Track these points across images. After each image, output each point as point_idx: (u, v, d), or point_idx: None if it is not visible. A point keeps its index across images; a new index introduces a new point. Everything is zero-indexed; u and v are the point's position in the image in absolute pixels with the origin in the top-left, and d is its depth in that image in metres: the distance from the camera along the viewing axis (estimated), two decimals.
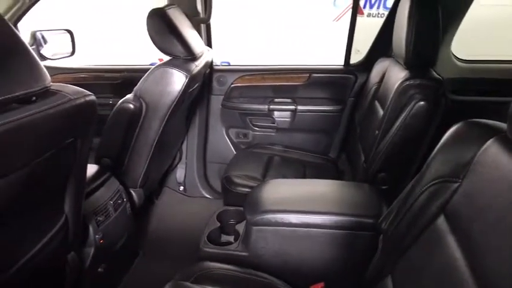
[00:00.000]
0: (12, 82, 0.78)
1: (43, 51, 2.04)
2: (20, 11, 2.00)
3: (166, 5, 1.63)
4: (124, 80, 2.24)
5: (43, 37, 2.02)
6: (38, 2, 2.00)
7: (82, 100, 0.96)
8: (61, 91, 0.93)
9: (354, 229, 1.22)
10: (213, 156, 2.38)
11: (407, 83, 1.44)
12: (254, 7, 4.37)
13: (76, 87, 0.99)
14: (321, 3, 4.42)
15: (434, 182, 0.84)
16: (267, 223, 1.24)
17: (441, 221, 0.80)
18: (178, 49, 1.59)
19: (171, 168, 2.33)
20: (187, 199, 2.37)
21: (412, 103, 1.39)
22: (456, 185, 0.77)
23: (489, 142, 0.71)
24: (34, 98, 0.84)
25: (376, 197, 1.33)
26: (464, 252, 0.69)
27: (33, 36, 1.97)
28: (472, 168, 0.74)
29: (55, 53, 2.11)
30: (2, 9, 1.93)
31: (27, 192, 0.94)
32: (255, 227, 1.25)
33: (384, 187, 1.49)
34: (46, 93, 0.88)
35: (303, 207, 1.26)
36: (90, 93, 1.00)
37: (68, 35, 2.14)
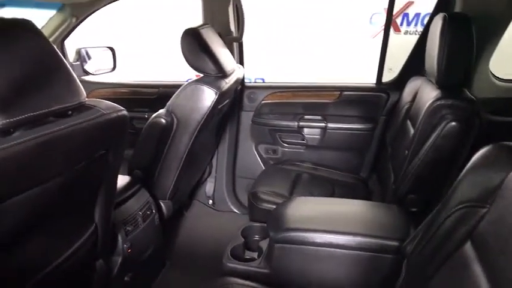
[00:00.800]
0: (50, 97, 0.84)
1: (87, 67, 2.18)
2: (66, 30, 2.16)
3: (200, 25, 1.70)
4: (160, 95, 2.33)
5: (87, 53, 2.16)
6: (83, 22, 2.15)
7: (114, 115, 1.01)
8: (95, 106, 0.99)
9: (378, 251, 1.18)
10: (242, 171, 2.41)
11: (439, 102, 1.40)
12: (292, 25, 4.42)
13: (110, 102, 1.04)
14: (358, 21, 4.41)
15: (461, 206, 0.81)
16: (289, 241, 1.23)
17: (468, 248, 0.77)
18: (210, 67, 1.65)
19: (201, 181, 2.38)
20: (215, 213, 2.40)
21: (443, 123, 1.35)
22: (484, 210, 0.75)
23: None
24: (70, 112, 0.90)
25: (404, 219, 1.29)
26: (490, 284, 0.66)
27: (78, 52, 2.11)
28: (500, 194, 0.71)
29: (97, 69, 2.24)
30: (51, 28, 2.08)
31: (60, 200, 1.00)
32: (277, 245, 1.25)
33: (413, 209, 1.44)
34: (81, 107, 0.94)
35: (327, 226, 1.24)
36: (122, 108, 1.05)
37: (110, 52, 2.27)
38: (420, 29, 4.11)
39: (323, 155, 2.25)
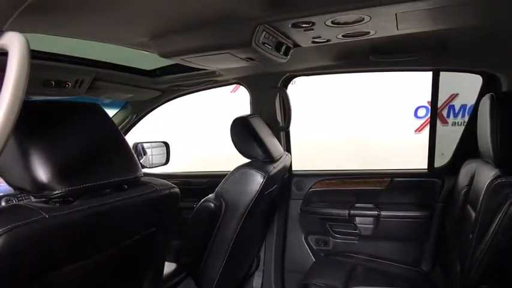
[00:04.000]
0: (110, 171, 0.92)
1: (142, 161, 2.34)
2: (127, 125, 2.40)
3: (249, 115, 1.82)
4: (209, 185, 2.41)
5: (143, 148, 2.33)
6: (143, 119, 2.39)
7: (167, 191, 1.06)
8: (150, 182, 1.05)
9: None
10: (291, 264, 2.29)
11: (499, 180, 1.32)
12: (338, 118, 4.57)
13: (163, 180, 1.10)
14: (403, 114, 4.47)
15: None
16: None
17: None
18: (257, 152, 1.71)
19: (248, 275, 2.27)
20: None
21: (508, 202, 1.26)
22: None
23: None
24: (125, 186, 0.96)
25: None
26: None
27: (135, 147, 2.29)
28: None
29: (152, 163, 2.40)
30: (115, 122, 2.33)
31: (109, 277, 1.00)
32: None
33: None
34: (137, 183, 1.00)
35: None
36: (174, 186, 1.10)
37: (164, 147, 2.45)
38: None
39: (378, 245, 2.11)
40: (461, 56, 1.72)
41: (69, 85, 1.69)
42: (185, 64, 1.45)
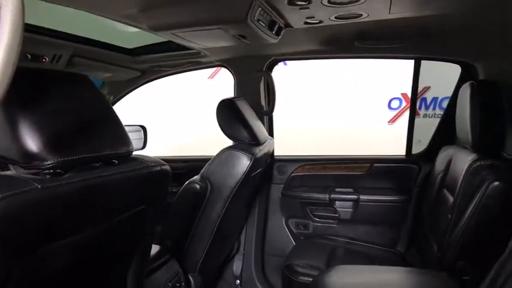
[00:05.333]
0: (101, 143, 0.88)
1: None
2: None
3: (235, 97, 1.80)
4: (189, 169, 2.37)
5: None
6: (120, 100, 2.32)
7: (159, 168, 1.03)
8: (141, 158, 1.02)
9: None
10: (272, 247, 2.31)
11: (478, 163, 1.39)
12: (313, 107, 4.61)
13: (153, 157, 1.08)
14: (377, 105, 4.57)
15: None
16: None
17: None
18: (244, 135, 1.70)
19: (228, 258, 2.28)
20: None
21: (485, 184, 1.32)
22: None
23: None
24: (115, 161, 0.92)
25: (457, 285, 1.19)
26: None
27: None
28: None
29: None
30: None
31: (93, 259, 0.97)
32: None
33: (465, 278, 1.33)
34: (127, 158, 0.97)
35: None
36: (165, 163, 1.07)
37: (141, 131, 2.38)
38: (439, 112, 4.23)
39: (357, 228, 2.16)
40: (442, 45, 1.77)
41: (46, 60, 1.61)
42: (173, 40, 1.41)
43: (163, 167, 1.06)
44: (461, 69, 1.92)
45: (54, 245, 0.78)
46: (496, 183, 1.29)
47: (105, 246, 0.97)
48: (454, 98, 1.94)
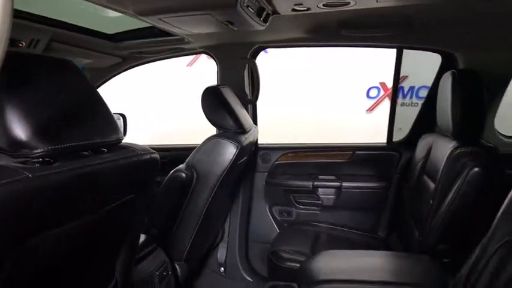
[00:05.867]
0: (91, 131, 0.86)
1: None
2: None
3: (219, 85, 1.79)
4: (172, 158, 2.35)
5: None
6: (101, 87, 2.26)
7: (148, 156, 1.02)
8: (130, 146, 1.00)
9: None
10: (255, 235, 2.33)
11: (459, 150, 1.43)
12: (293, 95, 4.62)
13: (142, 145, 1.06)
14: (355, 94, 4.63)
15: (506, 239, 0.80)
16: None
17: None
18: (229, 123, 1.69)
19: (213, 246, 2.28)
20: (227, 282, 2.27)
21: (466, 170, 1.37)
22: None
23: None
24: (105, 149, 0.90)
25: (438, 267, 1.24)
26: None
27: None
28: None
29: None
30: None
31: (84, 247, 0.95)
32: None
33: (445, 260, 1.38)
34: (115, 146, 0.94)
35: (362, 276, 1.18)
36: (154, 151, 1.06)
37: (121, 119, 2.32)
38: (416, 101, 4.34)
39: (339, 215, 2.21)
40: (424, 35, 1.80)
41: (23, 44, 1.54)
42: (159, 25, 1.38)
43: (152, 155, 1.04)
44: (442, 58, 1.96)
45: (45, 235, 0.76)
46: (476, 169, 1.34)
47: (95, 236, 0.95)
48: (434, 87, 1.99)
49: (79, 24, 1.70)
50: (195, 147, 1.68)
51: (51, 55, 1.73)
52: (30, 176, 0.68)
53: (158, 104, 4.90)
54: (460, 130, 1.48)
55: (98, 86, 2.30)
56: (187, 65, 4.71)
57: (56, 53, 1.74)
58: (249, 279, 2.26)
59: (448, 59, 1.92)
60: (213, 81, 2.18)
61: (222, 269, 2.31)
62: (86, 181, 0.82)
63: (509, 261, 0.79)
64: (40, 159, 0.74)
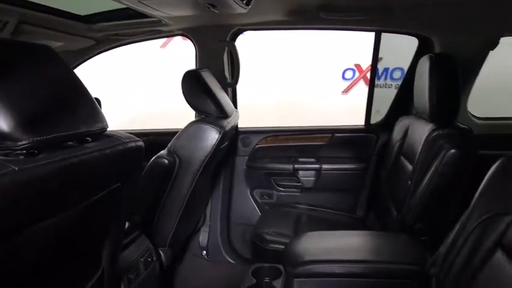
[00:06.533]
0: (76, 120, 0.83)
1: None
2: None
3: (200, 68, 1.76)
4: (150, 143, 2.30)
5: None
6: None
7: (133, 144, 1.00)
8: (114, 135, 0.98)
9: (399, 277, 1.18)
10: (237, 218, 2.35)
11: (436, 133, 1.48)
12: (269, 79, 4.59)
13: (126, 133, 1.04)
14: (331, 76, 4.66)
15: (484, 217, 0.84)
16: (309, 274, 1.20)
17: (499, 255, 0.78)
18: (211, 107, 1.68)
19: (195, 231, 2.29)
20: (210, 264, 2.29)
21: (443, 152, 1.42)
22: (510, 217, 0.77)
23: None
24: (89, 138, 0.88)
25: (417, 245, 1.30)
26: None
27: None
28: None
29: None
30: None
31: (71, 238, 0.93)
32: (296, 279, 1.21)
33: (422, 238, 1.45)
34: (100, 135, 0.92)
35: (345, 256, 1.23)
36: (139, 138, 1.04)
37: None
38: (390, 82, 4.42)
39: (318, 196, 2.26)
40: (401, 18, 1.82)
41: None
42: (137, 7, 1.33)
43: (137, 143, 1.02)
44: (419, 42, 2.00)
45: (32, 229, 0.74)
46: (452, 151, 1.40)
47: (82, 226, 0.94)
48: (411, 70, 2.03)
49: (50, 5, 1.61)
50: (173, 132, 1.66)
51: (20, 38, 1.64)
52: (16, 169, 0.65)
53: (132, 86, 4.77)
54: (436, 113, 1.53)
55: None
56: (161, 47, 4.59)
57: (25, 36, 1.65)
58: (232, 261, 2.29)
59: (424, 42, 1.96)
60: (187, 63, 2.13)
61: (205, 252, 2.33)
62: (72, 172, 0.80)
63: (486, 238, 0.83)
64: (24, 151, 0.71)
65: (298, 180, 2.26)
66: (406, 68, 3.89)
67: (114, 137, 0.96)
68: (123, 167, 1.01)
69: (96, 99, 2.23)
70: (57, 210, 0.79)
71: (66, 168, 0.77)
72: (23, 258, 0.77)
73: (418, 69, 1.69)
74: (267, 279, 1.44)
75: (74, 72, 0.90)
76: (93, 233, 1.04)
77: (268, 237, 1.77)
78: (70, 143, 0.83)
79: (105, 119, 0.93)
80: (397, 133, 1.94)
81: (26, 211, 0.70)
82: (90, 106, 0.90)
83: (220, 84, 1.94)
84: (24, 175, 0.67)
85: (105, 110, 2.28)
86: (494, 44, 1.81)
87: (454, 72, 1.53)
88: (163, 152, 1.61)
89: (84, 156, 0.82)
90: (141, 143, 1.03)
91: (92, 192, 0.91)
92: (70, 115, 0.83)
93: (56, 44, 1.96)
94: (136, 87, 4.76)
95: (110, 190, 0.98)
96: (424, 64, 1.59)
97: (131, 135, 1.03)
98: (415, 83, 1.72)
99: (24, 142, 0.70)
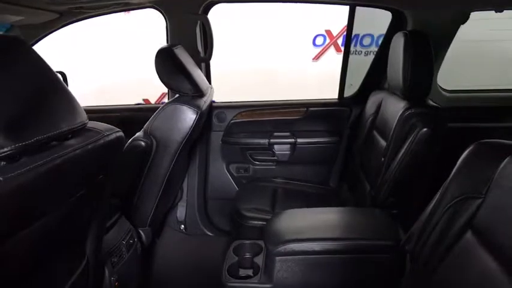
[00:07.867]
0: (56, 119, 0.80)
1: None
2: None
3: (172, 45, 1.69)
4: (121, 120, 2.24)
5: None
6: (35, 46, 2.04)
7: (113, 136, 0.97)
8: (94, 128, 0.95)
9: (376, 252, 1.25)
10: (214, 192, 2.38)
11: (409, 112, 1.53)
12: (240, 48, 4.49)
13: (105, 124, 1.01)
14: (301, 43, 4.61)
15: (456, 199, 0.89)
16: (290, 252, 1.25)
17: (469, 236, 0.84)
18: (187, 86, 1.64)
19: (172, 206, 2.31)
20: (188, 237, 2.33)
21: (416, 131, 1.48)
22: (479, 200, 0.83)
23: (508, 159, 0.77)
24: (70, 135, 0.85)
25: (390, 220, 1.38)
26: (499, 261, 0.73)
27: None
28: (494, 184, 0.80)
29: None
30: None
31: (56, 235, 0.92)
32: (278, 257, 1.26)
33: (394, 211, 1.53)
34: (80, 130, 0.89)
35: (323, 234, 1.29)
36: (118, 129, 1.01)
37: (60, 77, 2.14)
38: (360, 49, 4.44)
39: (293, 169, 2.31)
40: None
41: None
42: None
43: (118, 134, 1.00)
44: (392, 16, 2.01)
45: (20, 234, 0.73)
46: (425, 129, 1.45)
47: (67, 222, 0.93)
48: (384, 45, 2.05)
49: None
50: (146, 108, 1.63)
51: None
52: (1, 179, 0.63)
53: (96, 55, 4.52)
54: (410, 91, 1.57)
55: (32, 45, 2.07)
56: (125, 13, 4.33)
57: None
58: (210, 233, 2.35)
59: (398, 17, 1.97)
60: (153, 31, 2.04)
61: (183, 226, 2.36)
62: (57, 173, 0.78)
63: (458, 218, 0.88)
64: (6, 158, 0.68)
65: (274, 154, 2.29)
66: (375, 35, 3.90)
67: (95, 131, 0.94)
68: (104, 160, 0.99)
69: (61, 72, 2.14)
70: (43, 212, 0.78)
71: (51, 170, 0.75)
72: (9, 258, 0.76)
73: (392, 45, 1.71)
74: (248, 255, 1.49)
75: (48, 66, 0.85)
76: (78, 227, 1.03)
77: (248, 214, 1.82)
78: (53, 142, 0.80)
79: (84, 113, 0.89)
80: (370, 107, 1.99)
81: (12, 219, 0.69)
82: (67, 101, 0.86)
83: (193, 59, 1.89)
84: (13, 184, 0.65)
85: (72, 83, 2.19)
86: (465, 18, 1.85)
87: (428, 51, 1.56)
88: (139, 133, 1.58)
89: (66, 155, 0.79)
90: (121, 134, 1.01)
91: (77, 188, 0.89)
92: (49, 115, 0.79)
93: (16, 18, 1.82)
94: (102, 56, 4.52)
95: (95, 183, 0.97)
96: (399, 41, 1.61)
97: (111, 127, 1.00)
98: (389, 60, 1.74)
99: (5, 149, 0.67)
